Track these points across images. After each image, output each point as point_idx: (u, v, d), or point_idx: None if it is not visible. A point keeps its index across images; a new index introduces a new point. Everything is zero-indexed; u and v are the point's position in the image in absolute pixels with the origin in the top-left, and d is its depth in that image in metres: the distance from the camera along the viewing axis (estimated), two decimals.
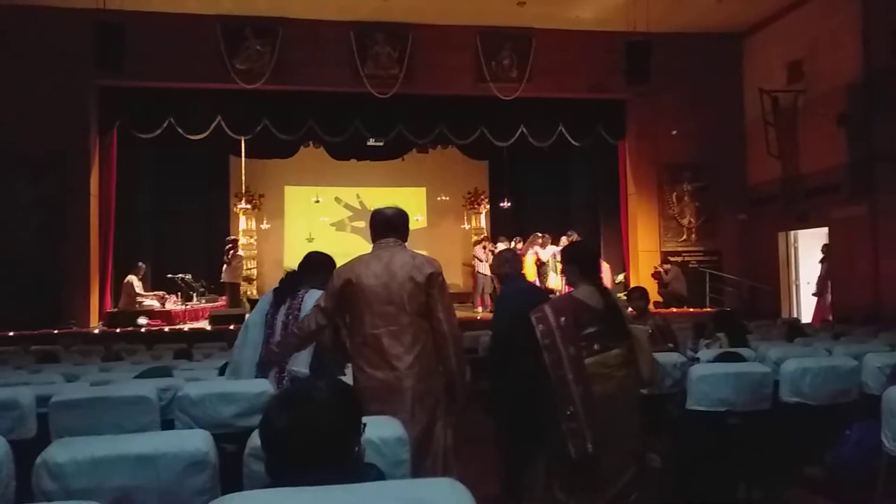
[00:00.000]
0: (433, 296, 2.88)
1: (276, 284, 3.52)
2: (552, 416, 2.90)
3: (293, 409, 1.54)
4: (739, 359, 4.04)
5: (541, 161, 14.67)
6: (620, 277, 13.16)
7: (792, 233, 12.07)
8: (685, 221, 12.86)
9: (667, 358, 4.33)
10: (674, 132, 12.57)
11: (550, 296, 4.85)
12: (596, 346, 2.93)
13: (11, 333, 9.41)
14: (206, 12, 11.28)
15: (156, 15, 11.05)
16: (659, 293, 12.12)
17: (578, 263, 3.23)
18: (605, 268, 12.57)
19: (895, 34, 9.44)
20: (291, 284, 3.43)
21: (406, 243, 3.08)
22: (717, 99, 12.67)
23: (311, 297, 3.20)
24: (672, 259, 12.60)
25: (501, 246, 12.62)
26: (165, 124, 11.40)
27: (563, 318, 2.91)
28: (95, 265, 11.33)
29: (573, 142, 12.77)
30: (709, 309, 11.02)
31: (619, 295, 11.96)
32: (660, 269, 12.41)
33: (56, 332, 9.72)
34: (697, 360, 4.38)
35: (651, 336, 5.66)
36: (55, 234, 10.85)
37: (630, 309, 6.47)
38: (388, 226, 3.02)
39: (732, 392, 3.63)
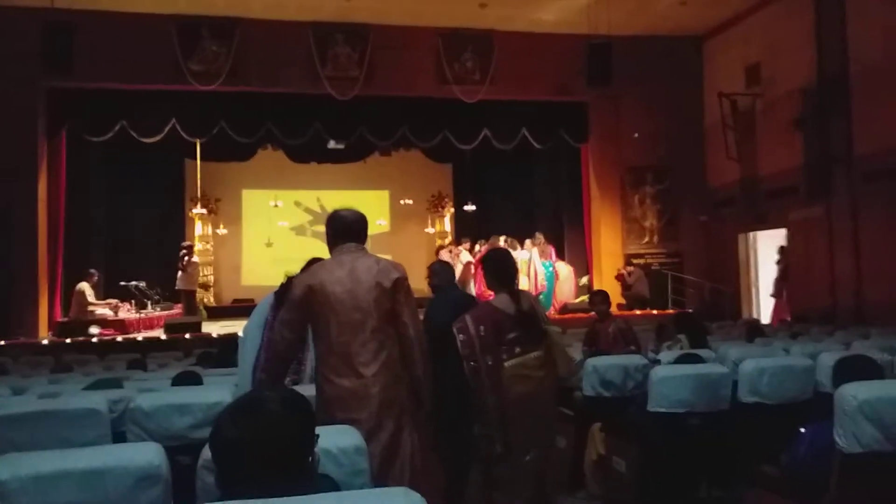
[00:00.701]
0: (399, 300, 2.83)
1: (276, 288, 3.47)
2: (472, 422, 3.12)
3: (244, 419, 1.52)
4: (699, 360, 4.06)
5: (505, 163, 14.67)
6: (584, 280, 13.20)
7: (751, 234, 12.24)
8: (647, 224, 12.95)
9: (629, 361, 4.38)
10: (635, 135, 12.66)
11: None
12: (517, 350, 3.13)
13: None
14: (160, 11, 11.00)
15: (107, 14, 10.75)
16: (622, 295, 12.19)
17: (492, 270, 3.40)
18: (569, 270, 12.61)
19: (844, 50, 9.67)
20: None
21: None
22: (677, 102, 12.79)
23: None
24: (635, 261, 12.68)
25: (463, 249, 12.56)
26: (118, 127, 11.11)
27: (482, 328, 3.09)
28: (44, 273, 10.96)
29: (536, 145, 12.79)
30: (671, 311, 11.10)
31: (582, 298, 12.06)
32: (623, 271, 12.48)
33: (3, 343, 9.39)
34: (659, 362, 4.36)
35: (613, 339, 5.70)
36: (1, 241, 10.45)
37: (593, 312, 6.47)
38: (349, 231, 2.94)
39: (692, 393, 3.65)
